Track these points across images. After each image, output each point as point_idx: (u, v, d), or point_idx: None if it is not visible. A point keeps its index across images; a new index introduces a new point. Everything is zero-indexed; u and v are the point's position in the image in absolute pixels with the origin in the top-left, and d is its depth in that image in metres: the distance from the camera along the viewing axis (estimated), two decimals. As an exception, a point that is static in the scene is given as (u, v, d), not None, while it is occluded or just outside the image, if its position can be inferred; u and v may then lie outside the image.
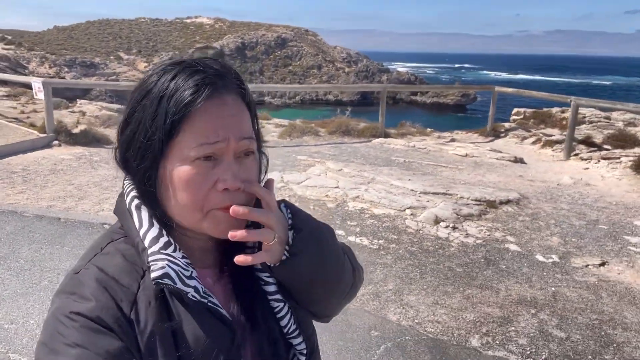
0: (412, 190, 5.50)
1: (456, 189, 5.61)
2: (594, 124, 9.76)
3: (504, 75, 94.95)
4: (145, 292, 0.66)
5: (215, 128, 0.65)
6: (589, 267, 3.90)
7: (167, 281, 0.64)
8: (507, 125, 10.97)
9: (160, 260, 0.66)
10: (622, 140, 7.95)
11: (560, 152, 8.42)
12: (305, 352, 0.79)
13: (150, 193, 0.69)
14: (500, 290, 3.51)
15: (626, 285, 3.60)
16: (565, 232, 4.63)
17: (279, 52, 61.71)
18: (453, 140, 9.95)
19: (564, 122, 10.34)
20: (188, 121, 0.65)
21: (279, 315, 0.77)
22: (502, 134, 10.43)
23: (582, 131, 9.22)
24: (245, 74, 49.74)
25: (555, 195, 5.91)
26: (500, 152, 8.46)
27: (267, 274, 0.76)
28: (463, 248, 4.21)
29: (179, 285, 0.65)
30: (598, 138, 8.46)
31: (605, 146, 8.07)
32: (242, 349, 0.72)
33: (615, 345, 2.89)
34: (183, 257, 0.68)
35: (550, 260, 4.01)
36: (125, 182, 0.74)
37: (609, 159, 7.33)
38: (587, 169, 7.38)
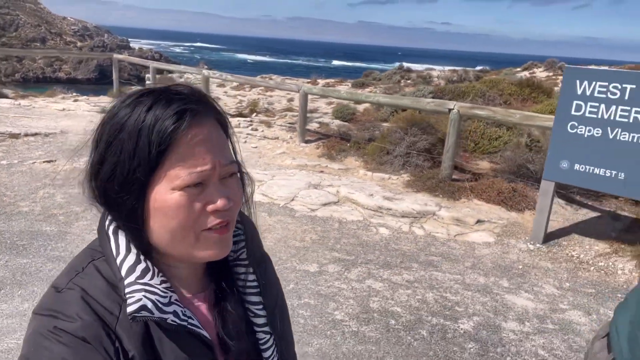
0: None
1: (-7, 127, 7.15)
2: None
3: (253, 57, 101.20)
4: (127, 316, 0.65)
5: (201, 156, 0.65)
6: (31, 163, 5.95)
7: (144, 313, 0.64)
8: (134, 89, 13.16)
9: (137, 291, 0.65)
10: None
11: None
12: None
13: (132, 225, 0.68)
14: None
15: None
16: (48, 150, 6.67)
17: (-13, 21, 52.47)
18: (76, 100, 11.52)
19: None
20: (173, 150, 0.64)
21: (263, 347, 0.80)
22: (127, 96, 12.55)
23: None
24: None
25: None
26: (99, 107, 10.41)
27: (258, 307, 0.80)
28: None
29: (157, 314, 0.65)
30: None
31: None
32: None
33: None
34: (162, 283, 0.68)
35: (12, 162, 5.92)
36: None
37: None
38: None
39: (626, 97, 3.68)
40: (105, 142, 0.66)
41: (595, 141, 3.85)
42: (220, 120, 0.71)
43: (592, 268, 3.92)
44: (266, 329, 0.80)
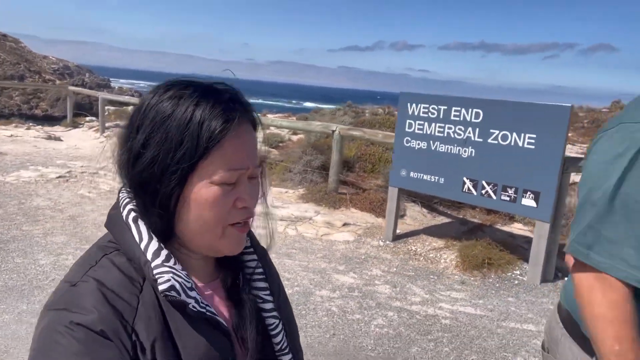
0: None
1: None
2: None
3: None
4: (145, 307, 0.66)
5: (241, 157, 0.70)
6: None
7: (173, 293, 0.66)
8: (88, 119, 13.86)
9: (165, 272, 0.67)
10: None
11: (97, 132, 11.56)
12: None
13: (165, 213, 0.70)
14: None
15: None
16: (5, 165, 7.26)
17: (-36, 57, 52.81)
18: (29, 128, 12.12)
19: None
20: (218, 148, 0.68)
21: (273, 333, 0.82)
22: (81, 125, 13.22)
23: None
24: None
25: (46, 155, 8.65)
26: (48, 133, 11.05)
27: (266, 292, 0.83)
28: None
29: (183, 297, 0.67)
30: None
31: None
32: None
33: None
34: (182, 270, 0.71)
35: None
36: (120, 194, 0.75)
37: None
38: (100, 140, 10.58)
39: (441, 116, 4.54)
40: (149, 129, 0.68)
41: (422, 153, 4.67)
42: (254, 122, 0.76)
43: (421, 258, 4.65)
44: (274, 314, 0.82)
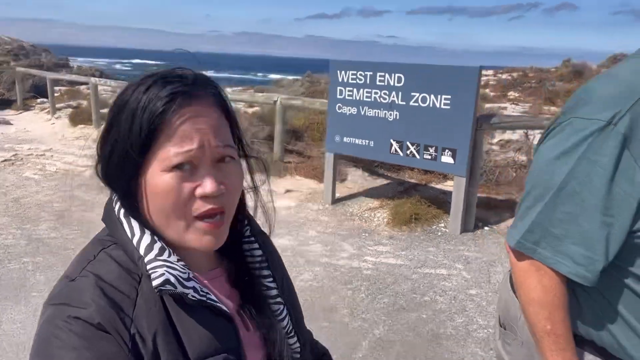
0: None
1: None
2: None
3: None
4: (144, 298, 0.66)
5: (189, 136, 0.65)
6: None
7: (168, 287, 0.65)
8: (39, 101, 13.53)
9: (159, 267, 0.66)
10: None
11: (48, 114, 11.37)
12: (299, 350, 0.85)
13: (133, 206, 0.69)
14: None
15: None
16: None
17: None
18: (-23, 113, 11.81)
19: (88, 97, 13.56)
20: (163, 131, 0.65)
21: (279, 318, 0.82)
22: (32, 107, 12.94)
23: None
24: None
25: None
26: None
27: (269, 280, 0.82)
28: None
29: (180, 288, 0.66)
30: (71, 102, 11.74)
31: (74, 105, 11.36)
32: (243, 348, 0.74)
33: None
34: (179, 261, 0.69)
35: None
36: None
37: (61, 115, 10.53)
38: (51, 122, 10.44)
39: (367, 82, 4.75)
40: (108, 122, 0.69)
41: (353, 118, 4.90)
42: (219, 103, 0.71)
43: (356, 218, 4.94)
44: (278, 299, 0.82)
